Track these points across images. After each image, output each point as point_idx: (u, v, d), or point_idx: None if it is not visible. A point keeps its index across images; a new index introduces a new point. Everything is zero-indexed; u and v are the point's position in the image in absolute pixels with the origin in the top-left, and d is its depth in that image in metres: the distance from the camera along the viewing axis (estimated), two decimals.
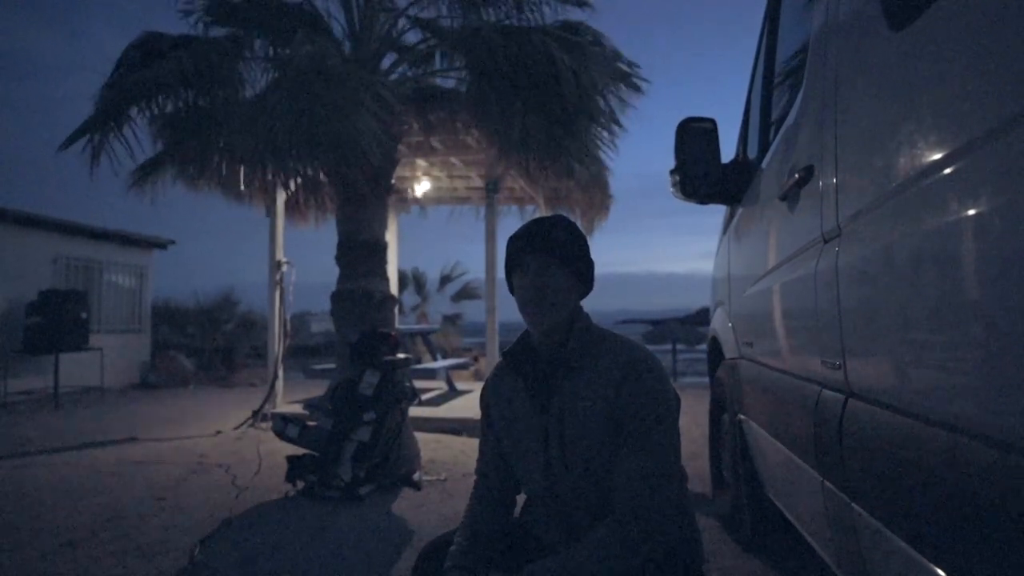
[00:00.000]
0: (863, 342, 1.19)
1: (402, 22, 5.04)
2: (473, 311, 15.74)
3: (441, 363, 8.25)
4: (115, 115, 4.33)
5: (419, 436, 4.75)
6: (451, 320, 15.56)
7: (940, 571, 0.86)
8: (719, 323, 3.14)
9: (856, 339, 1.21)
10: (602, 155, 4.85)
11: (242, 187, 5.55)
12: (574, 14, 4.83)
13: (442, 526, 3.17)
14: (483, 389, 1.62)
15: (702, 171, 2.44)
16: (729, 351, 2.87)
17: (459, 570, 1.39)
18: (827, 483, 1.34)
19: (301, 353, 12.85)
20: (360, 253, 4.77)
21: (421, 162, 7.59)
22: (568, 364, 1.42)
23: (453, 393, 7.73)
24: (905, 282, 1.00)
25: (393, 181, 5.29)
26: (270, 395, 6.54)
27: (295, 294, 6.95)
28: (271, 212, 7.02)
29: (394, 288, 6.63)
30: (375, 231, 4.87)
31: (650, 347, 1.56)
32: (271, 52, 4.73)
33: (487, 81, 4.29)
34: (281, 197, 6.97)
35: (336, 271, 4.86)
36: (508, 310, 1.57)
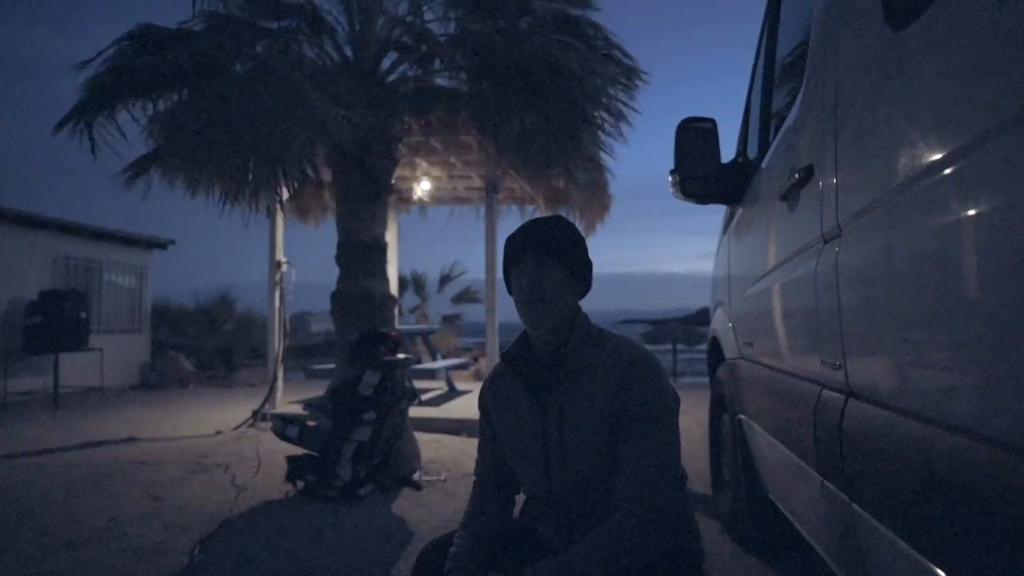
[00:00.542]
0: (863, 342, 1.19)
1: (399, 30, 5.04)
2: (473, 311, 15.76)
3: (441, 363, 8.25)
4: (109, 99, 4.29)
5: (419, 436, 4.75)
6: (451, 320, 15.56)
7: (940, 571, 0.86)
8: (719, 323, 3.14)
9: (856, 339, 1.21)
10: (602, 155, 4.85)
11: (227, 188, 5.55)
12: (574, 10, 4.82)
13: (442, 526, 3.17)
14: (482, 390, 1.62)
15: (702, 171, 2.44)
16: (729, 351, 2.87)
17: (459, 571, 1.39)
18: (827, 483, 1.34)
19: (301, 353, 12.86)
20: (360, 253, 4.77)
21: (421, 162, 7.59)
22: (567, 364, 1.42)
23: (453, 393, 7.72)
24: (905, 282, 1.00)
25: (393, 181, 5.29)
26: (270, 395, 6.54)
27: (295, 294, 6.96)
28: (271, 212, 7.02)
29: (394, 288, 6.63)
30: (375, 231, 4.87)
31: (650, 347, 1.56)
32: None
33: (486, 83, 4.29)
34: (282, 197, 6.96)
35: (336, 271, 4.86)
36: (508, 310, 1.57)
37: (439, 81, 5.25)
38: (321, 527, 3.28)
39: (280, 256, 6.97)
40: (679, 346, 15.18)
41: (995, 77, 0.77)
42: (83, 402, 8.23)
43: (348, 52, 4.93)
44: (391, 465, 4.06)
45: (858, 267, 1.20)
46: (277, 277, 6.86)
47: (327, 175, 5.79)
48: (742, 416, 2.52)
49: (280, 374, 6.79)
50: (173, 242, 11.75)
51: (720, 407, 3.26)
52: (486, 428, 1.59)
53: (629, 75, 4.67)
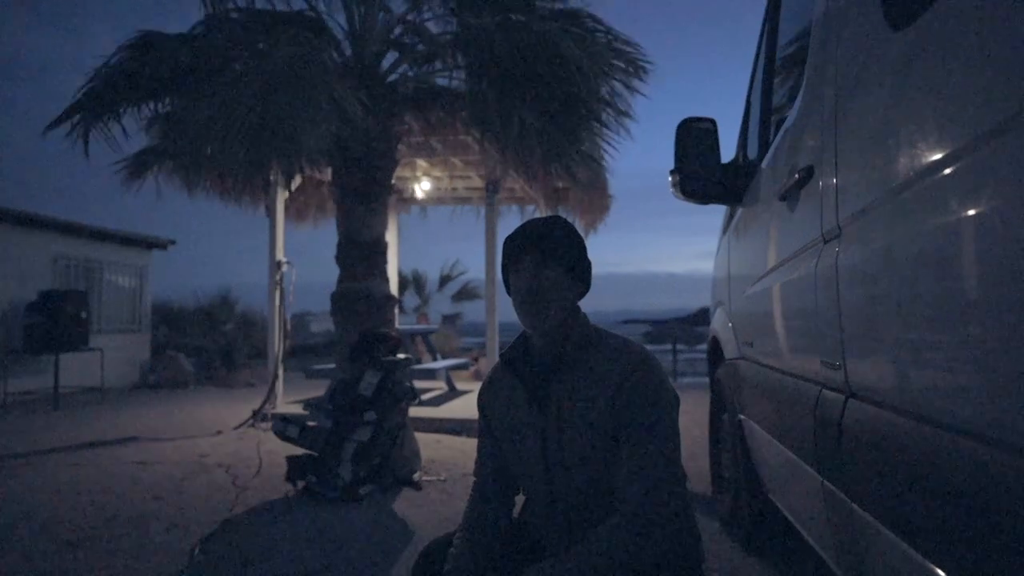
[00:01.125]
0: (863, 342, 1.19)
1: (399, 29, 5.04)
2: (473, 311, 15.75)
3: (441, 363, 8.25)
4: (106, 101, 4.31)
5: (419, 436, 4.74)
6: (451, 320, 15.55)
7: (940, 571, 0.86)
8: (719, 323, 3.14)
9: (856, 339, 1.21)
10: (603, 154, 4.83)
11: (228, 188, 5.56)
12: (574, 2, 4.80)
13: (442, 526, 3.17)
14: (481, 392, 1.62)
15: (702, 171, 2.44)
16: (729, 351, 2.87)
17: (458, 571, 1.39)
18: (827, 483, 1.34)
19: (301, 353, 12.85)
20: (360, 253, 4.77)
21: (421, 162, 7.59)
22: (566, 365, 1.42)
23: (453, 393, 7.73)
24: (905, 282, 1.00)
25: (393, 181, 5.29)
26: (270, 395, 6.54)
27: (295, 294, 6.96)
28: (271, 212, 7.02)
29: (394, 288, 6.64)
30: (375, 231, 4.87)
31: (650, 347, 1.56)
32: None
33: (485, 81, 4.29)
34: (282, 197, 6.97)
35: (336, 271, 4.86)
36: (508, 310, 1.56)
37: (439, 81, 5.25)
38: (321, 527, 3.28)
39: (280, 256, 6.97)
40: (679, 346, 15.19)
41: (995, 77, 0.77)
42: (83, 402, 8.23)
43: (348, 52, 4.93)
44: (391, 465, 4.06)
45: (858, 267, 1.20)
46: (277, 277, 6.86)
47: (327, 175, 5.79)
48: (742, 416, 2.52)
49: (280, 374, 6.79)
50: (173, 242, 11.76)
51: (720, 407, 3.26)
52: (485, 429, 1.59)
53: (633, 65, 4.64)
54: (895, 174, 1.03)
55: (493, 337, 7.61)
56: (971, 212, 0.80)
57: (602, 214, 8.30)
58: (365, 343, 4.15)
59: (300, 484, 3.90)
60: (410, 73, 5.22)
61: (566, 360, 1.42)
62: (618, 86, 4.55)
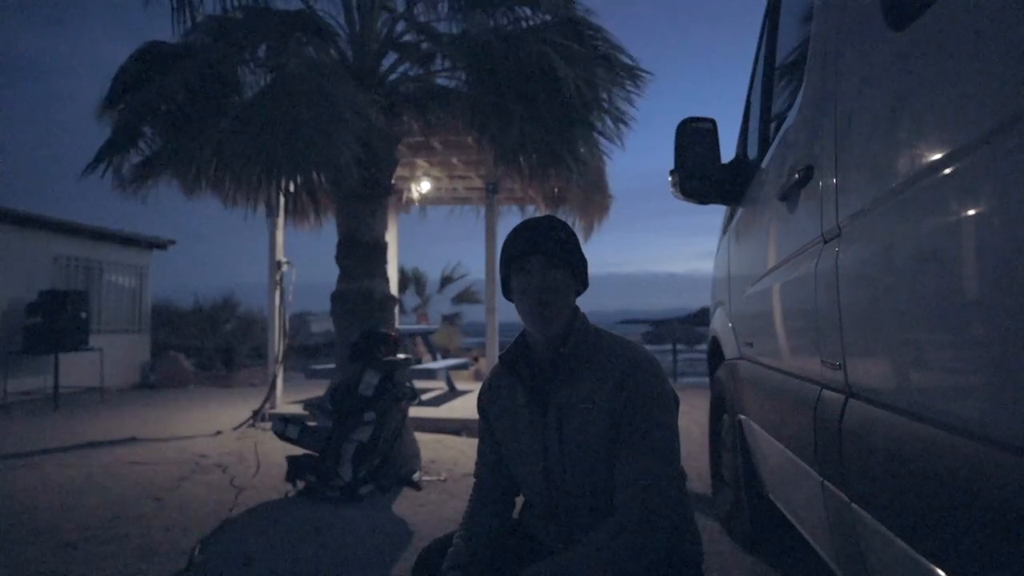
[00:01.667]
0: (863, 342, 1.19)
1: (401, 25, 5.04)
2: (473, 311, 15.75)
3: (441, 363, 8.25)
4: (130, 136, 4.45)
5: (419, 436, 4.75)
6: (451, 319, 15.55)
7: (940, 571, 0.86)
8: (719, 323, 3.14)
9: (856, 339, 1.21)
10: (601, 157, 4.84)
11: (228, 193, 5.58)
12: (575, 9, 4.81)
13: (442, 526, 3.17)
14: (480, 393, 1.62)
15: (702, 171, 2.44)
16: (729, 351, 2.87)
17: (458, 571, 1.39)
18: (827, 483, 1.34)
19: (301, 353, 12.86)
20: (360, 253, 4.76)
21: (421, 162, 7.59)
22: (566, 366, 1.42)
23: (453, 393, 7.73)
24: (905, 282, 1.00)
25: (393, 181, 5.28)
26: (270, 395, 6.54)
27: (295, 294, 6.96)
28: (271, 213, 7.02)
29: (394, 288, 6.63)
30: (375, 231, 4.87)
31: (650, 347, 1.56)
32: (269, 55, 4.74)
33: (484, 86, 4.29)
34: (281, 199, 6.97)
35: (336, 271, 4.86)
36: (508, 310, 1.57)
37: (439, 81, 5.25)
38: (321, 527, 3.28)
39: (280, 256, 6.97)
40: (679, 346, 15.19)
41: (995, 77, 0.77)
42: (83, 402, 8.23)
43: (348, 53, 4.93)
44: (391, 465, 4.06)
45: (858, 267, 1.20)
46: (277, 277, 6.86)
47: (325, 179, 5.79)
48: (742, 416, 2.52)
49: (280, 374, 6.79)
50: (173, 242, 11.76)
51: (720, 407, 3.26)
52: (485, 430, 1.59)
53: (631, 76, 4.66)
54: (895, 174, 1.03)
55: (493, 337, 7.61)
56: (971, 212, 0.80)
57: (602, 214, 8.30)
58: (365, 343, 4.15)
59: (300, 484, 3.90)
60: (410, 73, 5.22)
61: (566, 361, 1.42)
62: (616, 95, 4.58)
